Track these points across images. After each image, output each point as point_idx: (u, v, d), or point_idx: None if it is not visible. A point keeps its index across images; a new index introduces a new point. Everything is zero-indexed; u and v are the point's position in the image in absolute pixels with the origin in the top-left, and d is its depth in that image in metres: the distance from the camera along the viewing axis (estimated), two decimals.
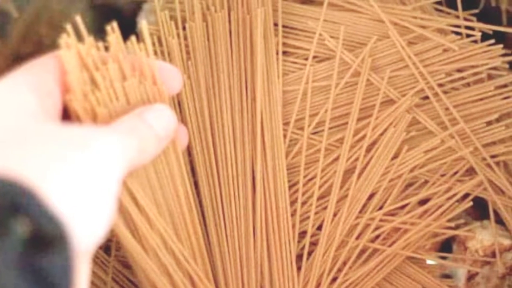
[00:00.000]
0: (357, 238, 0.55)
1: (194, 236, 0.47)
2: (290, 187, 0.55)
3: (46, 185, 0.30)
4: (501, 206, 0.56)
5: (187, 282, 0.46)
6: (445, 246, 0.58)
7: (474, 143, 0.56)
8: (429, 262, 0.56)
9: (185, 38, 0.57)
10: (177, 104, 0.55)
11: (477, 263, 0.56)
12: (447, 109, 0.57)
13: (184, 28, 0.57)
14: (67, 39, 0.38)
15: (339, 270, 0.54)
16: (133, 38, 0.41)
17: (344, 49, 0.58)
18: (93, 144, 0.34)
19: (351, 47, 0.58)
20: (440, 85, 0.57)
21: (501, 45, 0.57)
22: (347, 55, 0.57)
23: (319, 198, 0.55)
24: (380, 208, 0.55)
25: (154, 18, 0.60)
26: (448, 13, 0.61)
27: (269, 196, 0.54)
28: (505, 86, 0.58)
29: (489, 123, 0.57)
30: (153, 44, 0.56)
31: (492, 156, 0.57)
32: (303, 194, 0.55)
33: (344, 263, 0.54)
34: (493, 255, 0.55)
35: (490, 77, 0.59)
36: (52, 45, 0.40)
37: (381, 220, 0.55)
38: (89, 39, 0.39)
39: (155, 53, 0.56)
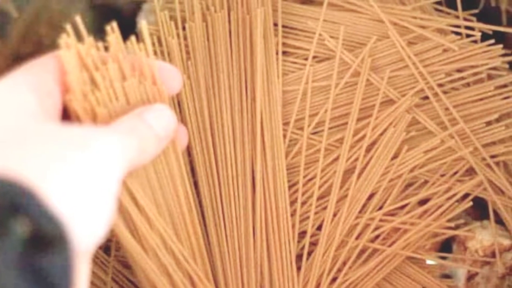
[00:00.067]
0: (357, 238, 0.55)
1: (194, 236, 0.47)
2: (290, 187, 0.55)
3: (46, 185, 0.30)
4: (501, 206, 0.56)
5: (186, 282, 0.46)
6: (445, 246, 0.58)
7: (474, 143, 0.56)
8: (429, 262, 0.56)
9: (185, 38, 0.57)
10: (177, 104, 0.55)
11: (477, 263, 0.56)
12: (447, 109, 0.57)
13: (184, 28, 0.57)
14: (67, 39, 0.38)
15: (339, 270, 0.54)
16: (132, 38, 0.41)
17: (344, 49, 0.58)
18: (93, 144, 0.34)
19: (351, 47, 0.58)
20: (440, 85, 0.57)
21: (501, 45, 0.57)
22: (347, 55, 0.57)
23: (319, 198, 0.55)
24: (380, 208, 0.55)
25: (154, 18, 0.60)
26: (448, 13, 0.61)
27: (269, 196, 0.54)
28: (505, 86, 0.58)
29: (489, 123, 0.57)
30: (153, 44, 0.56)
31: (492, 156, 0.57)
32: (303, 194, 0.55)
33: (344, 263, 0.54)
34: (493, 255, 0.55)
35: (490, 77, 0.59)
36: (52, 45, 0.40)
37: (381, 220, 0.55)
38: (89, 39, 0.39)
39: (155, 53, 0.56)
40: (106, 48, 0.41)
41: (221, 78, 0.55)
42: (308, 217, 0.55)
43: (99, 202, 0.33)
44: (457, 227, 0.56)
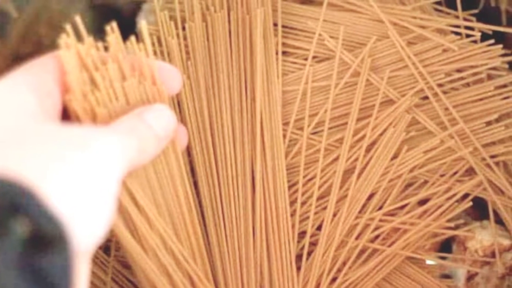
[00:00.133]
0: (356, 238, 0.55)
1: (193, 236, 0.47)
2: (289, 187, 0.55)
3: (45, 185, 0.30)
4: (501, 206, 0.56)
5: (186, 282, 0.46)
6: (445, 246, 0.58)
7: (473, 143, 0.56)
8: (428, 262, 0.56)
9: (185, 38, 0.57)
10: (177, 104, 0.55)
11: (477, 263, 0.56)
12: (446, 109, 0.57)
13: (183, 28, 0.57)
14: (66, 39, 0.38)
15: (339, 270, 0.54)
16: (132, 38, 0.41)
17: (344, 49, 0.58)
18: (92, 144, 0.34)
19: (350, 47, 0.58)
20: (440, 85, 0.57)
21: (500, 45, 0.57)
22: (346, 55, 0.57)
23: (318, 198, 0.55)
24: (380, 208, 0.55)
25: (154, 18, 0.60)
26: (448, 13, 0.61)
27: (268, 196, 0.54)
28: (504, 86, 0.58)
29: (488, 123, 0.57)
30: (153, 44, 0.56)
31: (492, 156, 0.57)
32: (303, 194, 0.55)
33: (344, 263, 0.54)
34: (493, 255, 0.55)
35: (489, 77, 0.59)
36: (52, 45, 0.40)
37: (380, 220, 0.55)
38: (88, 39, 0.39)
39: (155, 53, 0.56)
40: (106, 48, 0.41)
41: (221, 78, 0.55)
42: (308, 217, 0.55)
43: (99, 202, 0.33)
44: (457, 227, 0.56)
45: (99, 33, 0.43)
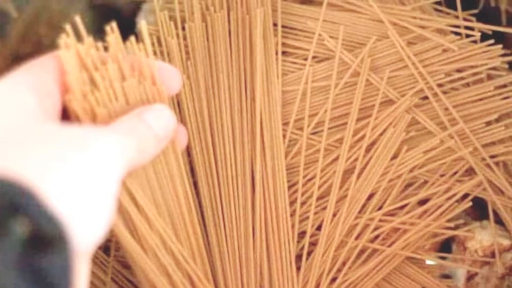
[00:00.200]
0: (356, 238, 0.55)
1: (193, 236, 0.47)
2: (289, 187, 0.55)
3: (45, 185, 0.30)
4: (501, 206, 0.56)
5: (186, 282, 0.46)
6: (445, 246, 0.58)
7: (473, 143, 0.56)
8: (428, 262, 0.56)
9: (185, 38, 0.57)
10: (177, 104, 0.55)
11: (477, 263, 0.56)
12: (446, 109, 0.57)
13: (183, 28, 0.57)
14: (66, 39, 0.38)
15: (339, 270, 0.54)
16: (132, 38, 0.41)
17: (344, 49, 0.58)
18: (92, 144, 0.34)
19: (350, 47, 0.58)
20: (440, 85, 0.57)
21: (500, 45, 0.57)
22: (346, 55, 0.57)
23: (318, 198, 0.55)
24: (380, 208, 0.55)
25: (154, 18, 0.60)
26: (448, 13, 0.61)
27: (268, 196, 0.54)
28: (504, 86, 0.58)
29: (488, 123, 0.57)
30: (153, 44, 0.56)
31: (492, 156, 0.57)
32: (303, 194, 0.55)
33: (344, 263, 0.54)
34: (493, 255, 0.55)
35: (489, 77, 0.59)
36: (52, 45, 0.39)
37: (380, 220, 0.55)
38: (88, 39, 0.39)
39: (155, 53, 0.56)
40: (106, 48, 0.41)
41: (221, 78, 0.55)
42: (307, 217, 0.55)
43: (98, 202, 0.33)
44: (456, 227, 0.56)
45: (99, 33, 0.43)
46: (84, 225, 0.32)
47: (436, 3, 0.61)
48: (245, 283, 0.52)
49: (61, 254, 0.29)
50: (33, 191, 0.29)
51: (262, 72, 0.56)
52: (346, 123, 0.56)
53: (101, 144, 0.34)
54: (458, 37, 0.58)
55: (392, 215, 0.56)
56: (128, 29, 0.49)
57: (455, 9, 0.60)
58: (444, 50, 0.57)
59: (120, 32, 0.41)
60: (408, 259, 0.56)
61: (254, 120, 0.55)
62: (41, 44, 0.58)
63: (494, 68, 0.58)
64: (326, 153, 0.56)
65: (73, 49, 0.39)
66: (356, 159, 0.55)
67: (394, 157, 0.55)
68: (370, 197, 0.55)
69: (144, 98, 0.42)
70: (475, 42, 0.58)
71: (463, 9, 0.60)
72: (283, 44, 0.59)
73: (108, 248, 0.55)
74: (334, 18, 0.59)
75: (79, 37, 0.39)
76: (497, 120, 0.58)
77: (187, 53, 0.56)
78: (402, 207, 0.56)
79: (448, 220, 0.55)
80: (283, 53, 0.59)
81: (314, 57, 0.58)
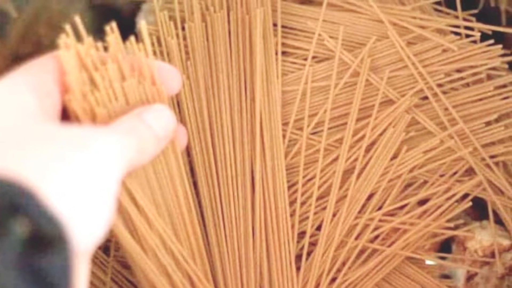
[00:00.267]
0: (356, 238, 0.55)
1: (193, 236, 0.47)
2: (289, 187, 0.55)
3: (45, 185, 0.30)
4: (500, 206, 0.56)
5: (186, 283, 0.46)
6: (444, 247, 0.58)
7: (473, 144, 0.56)
8: (428, 262, 0.56)
9: (184, 38, 0.57)
10: (176, 104, 0.55)
11: (476, 264, 0.56)
12: (446, 109, 0.57)
13: (183, 28, 0.57)
14: (66, 39, 0.38)
15: (338, 270, 0.54)
16: (132, 38, 0.41)
17: (343, 49, 0.58)
18: (92, 144, 0.34)
19: (350, 47, 0.58)
20: (439, 85, 0.57)
21: (500, 45, 0.57)
22: (346, 55, 0.57)
23: (318, 199, 0.55)
24: (379, 208, 0.55)
25: (153, 18, 0.60)
26: (447, 13, 0.61)
27: (268, 197, 0.54)
28: (504, 86, 0.58)
29: (488, 123, 0.57)
30: (152, 44, 0.56)
31: (491, 157, 0.57)
32: (302, 194, 0.55)
33: (343, 263, 0.54)
34: (492, 255, 0.55)
35: (489, 77, 0.59)
36: (51, 45, 0.39)
37: (380, 221, 0.55)
38: (88, 39, 0.39)
39: (154, 53, 0.56)
40: (106, 48, 0.41)
41: (221, 78, 0.55)
42: (307, 217, 0.55)
43: (98, 203, 0.33)
44: (456, 227, 0.56)
45: (98, 33, 0.43)
46: (84, 225, 0.32)
47: (436, 3, 0.61)
48: (245, 283, 0.52)
49: (61, 254, 0.29)
50: (33, 191, 0.29)
51: (262, 72, 0.56)
52: (346, 123, 0.56)
53: (101, 144, 0.34)
54: (458, 37, 0.58)
55: (392, 215, 0.56)
56: (128, 29, 0.49)
57: (455, 9, 0.60)
58: (444, 50, 0.57)
59: (120, 32, 0.41)
60: (408, 259, 0.56)
61: (254, 120, 0.55)
62: (41, 44, 0.58)
63: (494, 68, 0.58)
64: (326, 153, 0.56)
65: (72, 49, 0.39)
66: (356, 159, 0.55)
67: (394, 157, 0.55)
68: (370, 197, 0.55)
69: (144, 98, 0.42)
70: (475, 42, 0.58)
71: (463, 9, 0.60)
72: (283, 44, 0.59)
73: (108, 248, 0.55)
74: (334, 18, 0.59)
75: (78, 37, 0.39)
76: (496, 120, 0.58)
77: (187, 53, 0.56)
78: (402, 207, 0.56)
79: (448, 220, 0.55)
80: (283, 53, 0.59)
81: (314, 57, 0.58)
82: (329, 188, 0.55)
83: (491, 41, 0.58)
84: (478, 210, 0.58)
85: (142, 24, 0.42)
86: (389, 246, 0.55)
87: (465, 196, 0.56)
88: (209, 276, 0.49)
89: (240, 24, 0.57)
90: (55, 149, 0.32)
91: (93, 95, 0.38)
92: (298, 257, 0.54)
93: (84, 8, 0.61)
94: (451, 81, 0.58)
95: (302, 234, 0.55)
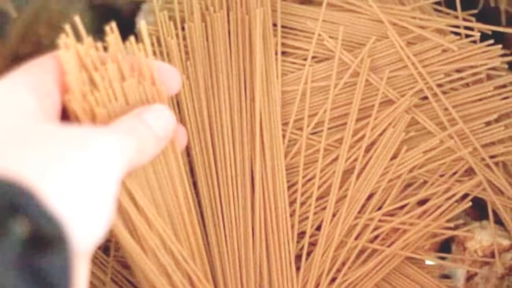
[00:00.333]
0: (356, 238, 0.55)
1: (193, 236, 0.47)
2: (289, 187, 0.55)
3: (45, 185, 0.30)
4: (500, 206, 0.56)
5: (186, 283, 0.46)
6: (444, 247, 0.58)
7: (473, 144, 0.56)
8: (428, 262, 0.56)
9: (184, 39, 0.57)
10: (176, 104, 0.55)
11: (476, 264, 0.56)
12: (446, 109, 0.57)
13: (183, 29, 0.57)
14: (66, 40, 0.38)
15: (338, 270, 0.54)
16: (132, 38, 0.41)
17: (343, 49, 0.58)
18: (92, 145, 0.34)
19: (350, 48, 0.58)
20: (439, 85, 0.57)
21: (500, 46, 0.57)
22: (346, 56, 0.57)
23: (318, 199, 0.55)
24: (379, 208, 0.55)
25: (153, 19, 0.60)
26: (447, 13, 0.61)
27: (268, 197, 0.54)
28: (504, 86, 0.58)
29: (488, 123, 0.57)
30: (152, 44, 0.56)
31: (491, 157, 0.57)
32: (302, 194, 0.55)
33: (343, 264, 0.54)
34: (492, 255, 0.55)
35: (489, 77, 0.59)
36: (51, 46, 0.39)
37: (380, 221, 0.55)
38: (88, 40, 0.39)
39: (154, 53, 0.56)
40: (105, 49, 0.41)
41: (220, 79, 0.55)
42: (307, 218, 0.55)
43: (98, 203, 0.33)
44: (456, 228, 0.56)
45: (98, 33, 0.43)
46: (84, 225, 0.32)
47: (436, 3, 0.61)
48: (245, 283, 0.52)
49: (60, 254, 0.29)
50: (33, 191, 0.29)
51: (262, 72, 0.56)
52: (345, 123, 0.56)
53: (100, 144, 0.34)
54: (458, 37, 0.58)
55: (391, 215, 0.56)
56: (127, 29, 0.49)
57: (455, 9, 0.60)
58: (444, 50, 0.57)
59: (120, 32, 0.41)
60: (407, 259, 0.56)
61: (254, 120, 0.55)
62: (41, 44, 0.58)
63: (493, 68, 0.58)
64: (325, 153, 0.56)
65: (72, 49, 0.39)
66: (355, 159, 0.55)
67: (394, 157, 0.55)
68: (370, 197, 0.55)
69: (144, 98, 0.42)
70: (474, 42, 0.58)
71: (463, 9, 0.60)
72: (283, 44, 0.59)
73: (108, 248, 0.55)
74: (334, 18, 0.59)
75: (78, 37, 0.39)
76: (496, 120, 0.58)
77: (186, 53, 0.56)
78: (401, 207, 0.56)
79: (448, 220, 0.55)
80: (283, 53, 0.59)
81: (313, 57, 0.58)
82: (329, 188, 0.55)
83: (491, 41, 0.58)
84: (478, 210, 0.58)
85: (142, 24, 0.42)
86: (389, 246, 0.55)
87: (465, 196, 0.56)
88: (209, 276, 0.49)
89: (240, 24, 0.57)
90: (55, 149, 0.32)
91: (93, 95, 0.38)
92: (298, 257, 0.54)
93: (84, 8, 0.61)
94: (451, 81, 0.58)
95: (302, 234, 0.55)
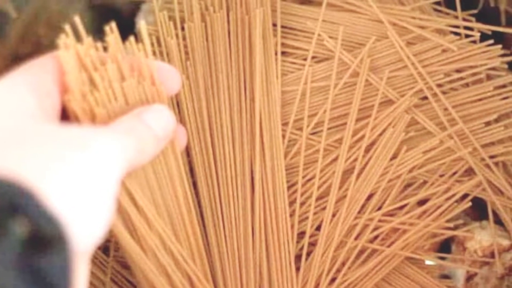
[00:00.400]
0: (356, 238, 0.54)
1: (192, 236, 0.47)
2: (289, 187, 0.55)
3: (44, 185, 0.30)
4: (500, 206, 0.56)
5: (185, 283, 0.46)
6: (444, 247, 0.58)
7: (473, 144, 0.56)
8: (428, 262, 0.56)
9: (184, 39, 0.57)
10: (176, 104, 0.55)
11: (476, 264, 0.56)
12: (446, 109, 0.57)
13: (182, 29, 0.57)
14: (65, 40, 0.38)
15: (338, 270, 0.54)
16: (131, 38, 0.41)
17: (343, 49, 0.58)
18: (92, 145, 0.34)
19: (350, 48, 0.58)
20: (439, 85, 0.57)
21: (500, 46, 0.57)
22: (346, 56, 0.57)
23: (318, 199, 0.55)
24: (379, 208, 0.55)
25: (153, 19, 0.60)
26: (447, 14, 0.61)
27: (268, 197, 0.54)
28: (504, 86, 0.58)
29: (488, 123, 0.57)
30: (152, 44, 0.56)
31: (491, 157, 0.57)
32: (302, 194, 0.55)
33: (343, 264, 0.54)
34: (492, 255, 0.55)
35: (489, 77, 0.59)
36: (51, 46, 0.39)
37: (380, 221, 0.55)
38: (87, 40, 0.39)
39: (154, 53, 0.56)
40: (105, 49, 0.41)
41: (220, 79, 0.55)
42: (307, 218, 0.55)
43: (98, 203, 0.33)
44: (456, 228, 0.56)
45: (98, 34, 0.43)
46: (84, 226, 0.32)
47: (436, 3, 0.61)
48: (245, 283, 0.52)
49: (60, 255, 0.29)
50: (33, 191, 0.29)
51: (262, 72, 0.56)
52: (345, 123, 0.56)
53: (100, 144, 0.34)
54: (458, 37, 0.58)
55: (391, 215, 0.56)
56: (127, 29, 0.49)
57: (455, 9, 0.60)
58: (444, 50, 0.57)
59: (120, 32, 0.41)
60: (407, 259, 0.56)
61: (254, 120, 0.55)
62: (40, 44, 0.58)
63: (493, 68, 0.58)
64: (325, 153, 0.56)
65: (72, 49, 0.39)
66: (355, 159, 0.55)
67: (394, 157, 0.55)
68: (370, 197, 0.55)
69: (144, 98, 0.42)
70: (474, 42, 0.58)
71: (463, 9, 0.60)
72: (283, 44, 0.59)
73: (108, 248, 0.55)
74: (334, 18, 0.59)
75: (78, 37, 0.39)
76: (496, 121, 0.58)
77: (186, 53, 0.56)
78: (401, 207, 0.56)
79: (448, 220, 0.55)
80: (283, 53, 0.59)
81: (313, 57, 0.58)
82: (328, 188, 0.55)
83: (491, 41, 0.58)
84: (478, 210, 0.58)
85: (142, 24, 0.42)
86: (389, 246, 0.55)
87: (465, 196, 0.56)
88: (209, 276, 0.49)
89: (239, 24, 0.57)
90: (55, 149, 0.32)
91: (92, 95, 0.38)
92: (298, 257, 0.54)
93: (83, 8, 0.61)
94: (450, 81, 0.58)
95: (301, 234, 0.55)
